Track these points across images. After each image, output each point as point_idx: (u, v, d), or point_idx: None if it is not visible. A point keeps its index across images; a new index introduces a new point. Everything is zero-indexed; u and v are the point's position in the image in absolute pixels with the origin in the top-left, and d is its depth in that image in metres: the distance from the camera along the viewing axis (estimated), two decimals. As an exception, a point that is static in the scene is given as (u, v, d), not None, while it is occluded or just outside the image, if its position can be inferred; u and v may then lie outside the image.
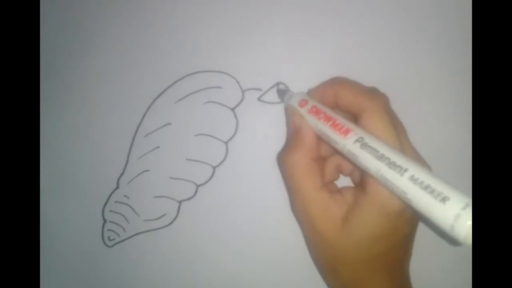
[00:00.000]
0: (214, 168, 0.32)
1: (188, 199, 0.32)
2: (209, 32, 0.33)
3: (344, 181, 0.30)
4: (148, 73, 0.33)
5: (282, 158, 0.27)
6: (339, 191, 0.27)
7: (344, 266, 0.26)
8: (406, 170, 0.20)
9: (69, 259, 0.33)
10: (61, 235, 0.33)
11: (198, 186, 0.32)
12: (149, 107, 0.33)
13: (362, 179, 0.25)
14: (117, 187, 0.33)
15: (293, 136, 0.27)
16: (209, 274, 0.31)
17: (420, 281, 0.27)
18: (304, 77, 0.29)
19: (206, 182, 0.32)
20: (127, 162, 0.33)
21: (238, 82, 0.32)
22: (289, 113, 0.28)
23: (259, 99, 0.32)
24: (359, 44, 0.32)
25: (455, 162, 0.30)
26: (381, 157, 0.22)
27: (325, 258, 0.27)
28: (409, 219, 0.25)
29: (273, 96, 0.32)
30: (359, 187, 0.26)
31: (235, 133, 0.32)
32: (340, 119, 0.25)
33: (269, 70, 0.32)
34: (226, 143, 0.32)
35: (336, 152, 0.29)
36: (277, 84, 0.31)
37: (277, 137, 0.31)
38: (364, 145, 0.23)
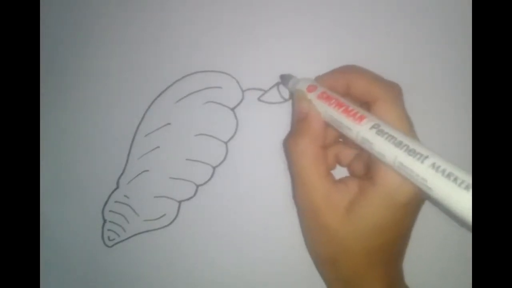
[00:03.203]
0: (214, 168, 0.32)
1: (188, 199, 0.32)
2: (209, 32, 0.33)
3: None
4: (148, 73, 0.33)
5: (289, 143, 0.26)
6: (342, 180, 0.26)
7: (345, 257, 0.25)
8: (426, 157, 0.20)
9: (69, 259, 0.33)
10: (61, 235, 0.33)
11: (198, 186, 0.32)
12: (149, 107, 0.33)
13: (370, 169, 0.24)
14: (117, 187, 0.33)
15: (300, 121, 0.27)
16: (209, 274, 0.31)
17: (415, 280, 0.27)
18: (304, 77, 0.29)
19: (206, 182, 0.32)
20: (127, 162, 0.33)
21: (238, 82, 0.32)
22: (296, 98, 0.28)
23: (259, 99, 0.32)
24: (359, 44, 0.32)
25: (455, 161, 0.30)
26: (399, 144, 0.21)
27: (325, 249, 0.27)
28: (413, 212, 0.25)
29: (273, 96, 0.32)
30: (364, 177, 0.25)
31: (235, 133, 0.32)
32: (353, 106, 0.24)
33: (269, 70, 0.32)
34: (226, 143, 0.32)
35: (339, 141, 0.29)
36: (277, 84, 0.31)
37: (277, 137, 0.31)
38: (381, 132, 0.22)
